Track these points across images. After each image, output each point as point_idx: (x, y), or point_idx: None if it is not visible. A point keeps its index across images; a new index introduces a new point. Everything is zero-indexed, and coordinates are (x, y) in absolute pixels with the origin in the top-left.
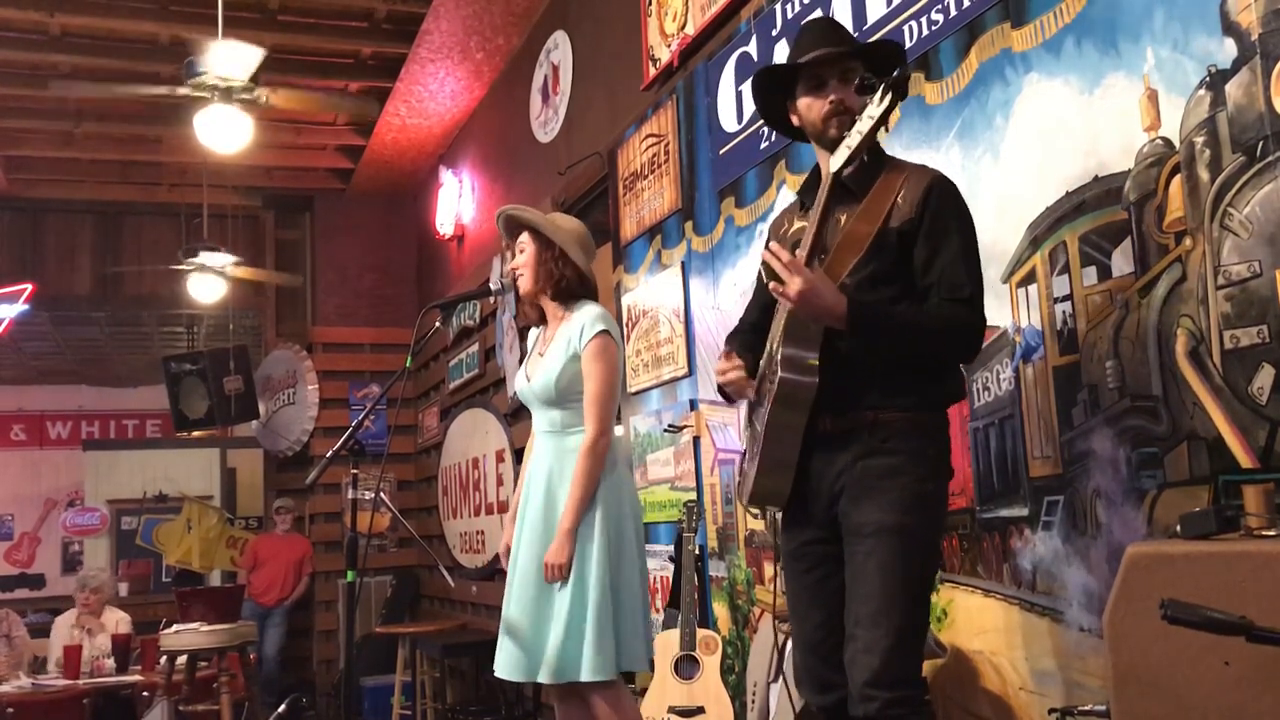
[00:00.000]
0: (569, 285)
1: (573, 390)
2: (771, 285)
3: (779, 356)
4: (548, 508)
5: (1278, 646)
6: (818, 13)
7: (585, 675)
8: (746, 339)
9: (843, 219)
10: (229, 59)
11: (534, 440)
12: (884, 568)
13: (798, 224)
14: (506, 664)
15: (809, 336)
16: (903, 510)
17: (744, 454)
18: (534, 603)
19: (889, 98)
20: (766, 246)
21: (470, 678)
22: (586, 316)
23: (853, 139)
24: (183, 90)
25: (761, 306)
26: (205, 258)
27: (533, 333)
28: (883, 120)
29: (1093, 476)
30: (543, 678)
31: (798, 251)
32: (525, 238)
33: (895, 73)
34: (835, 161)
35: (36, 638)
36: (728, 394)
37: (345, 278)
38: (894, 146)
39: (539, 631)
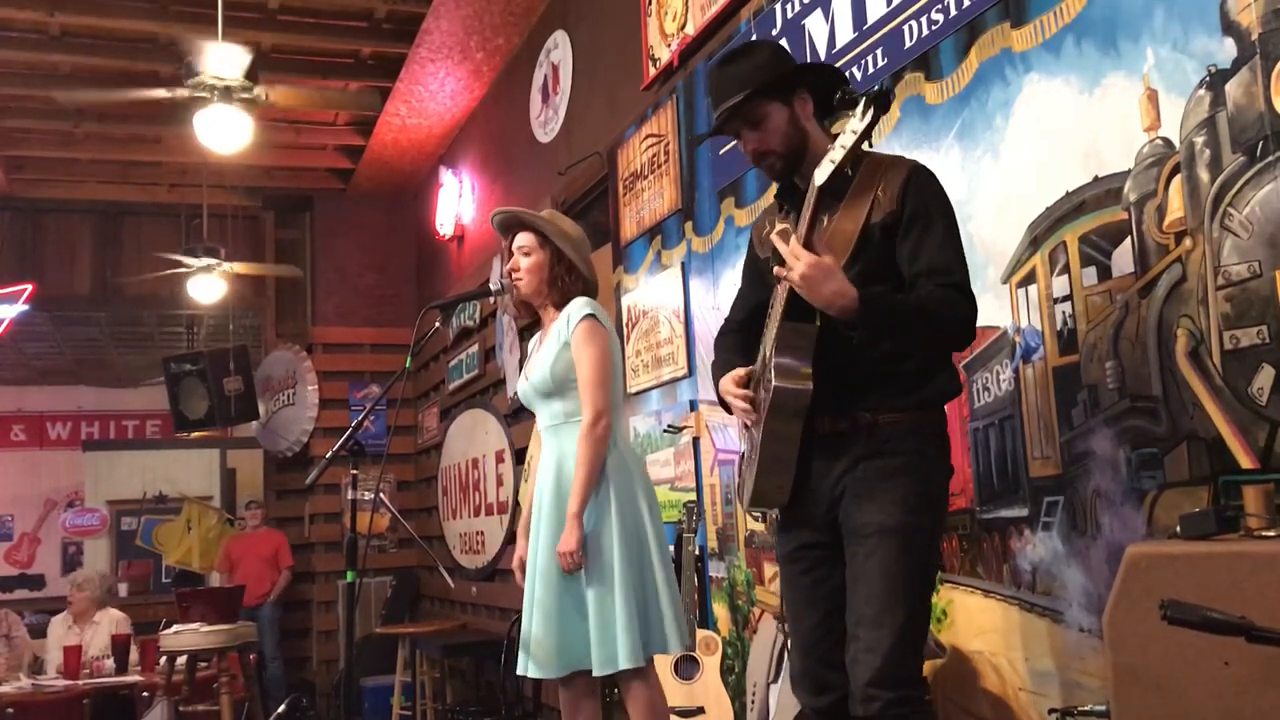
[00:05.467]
0: (576, 295)
1: (568, 378)
2: (776, 269)
3: (772, 365)
4: (559, 500)
5: (1278, 646)
6: (817, 13)
7: (621, 663)
8: (737, 340)
9: (825, 219)
10: (223, 60)
11: (538, 442)
12: (886, 568)
13: (779, 226)
14: (535, 662)
15: (802, 345)
16: (905, 511)
17: (743, 456)
18: (561, 597)
19: (871, 112)
20: (747, 281)
21: (470, 678)
22: (573, 307)
23: (836, 153)
24: (183, 91)
25: (749, 307)
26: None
27: (534, 340)
28: (866, 135)
29: (1093, 477)
30: (596, 671)
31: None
32: (529, 241)
33: (879, 86)
34: (820, 175)
35: (36, 638)
36: (725, 404)
37: (345, 278)
38: (894, 146)
39: (570, 625)
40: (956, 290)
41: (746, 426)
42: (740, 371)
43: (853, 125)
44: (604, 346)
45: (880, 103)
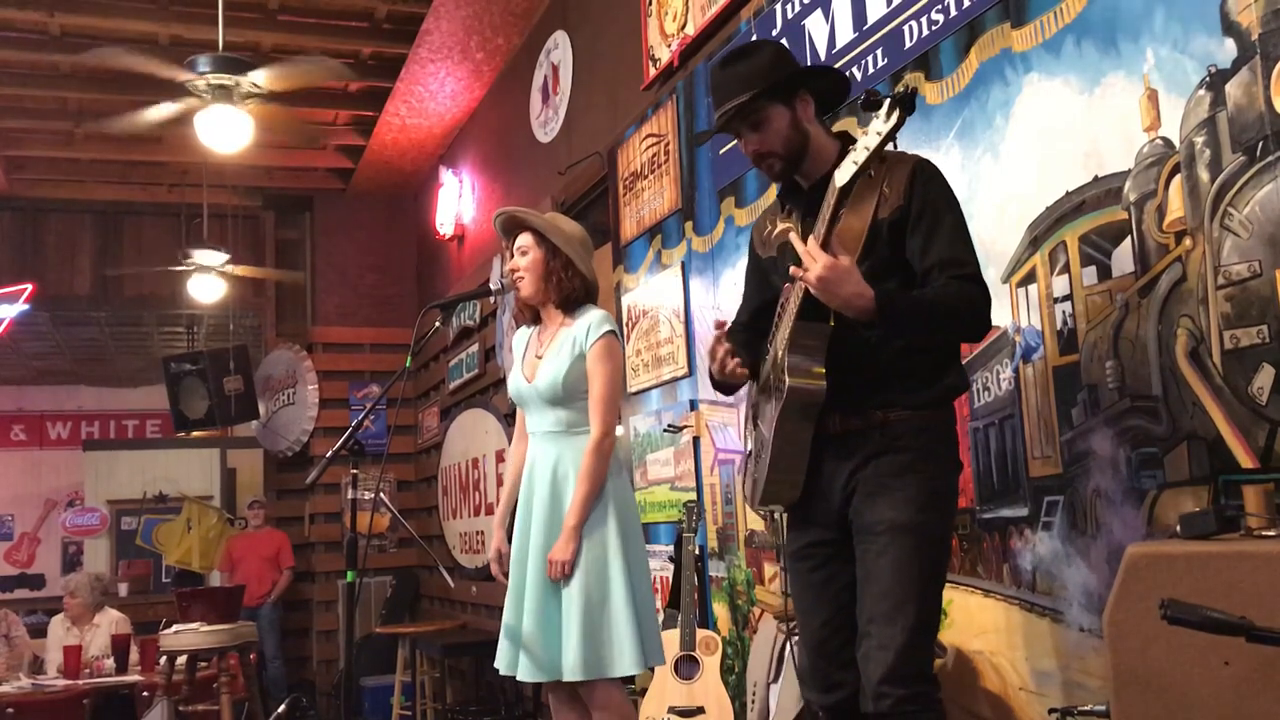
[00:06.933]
0: (575, 294)
1: (579, 390)
2: (792, 269)
3: (785, 364)
4: (555, 507)
5: (1278, 646)
6: (817, 13)
7: (619, 670)
8: (741, 337)
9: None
10: (228, 66)
11: (526, 443)
12: (899, 565)
13: (780, 225)
14: (520, 665)
15: (816, 344)
16: (917, 508)
17: (748, 455)
18: (549, 602)
19: (897, 114)
20: (751, 282)
21: (470, 678)
22: (593, 318)
23: (859, 154)
24: (190, 100)
25: (752, 308)
26: (205, 257)
27: (520, 335)
28: (891, 136)
29: (1093, 476)
30: (569, 676)
31: (791, 262)
32: (528, 241)
33: (905, 88)
34: (841, 176)
35: (36, 638)
36: (722, 386)
37: (345, 278)
38: (894, 146)
39: (555, 630)
40: (971, 281)
41: (756, 424)
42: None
43: (876, 126)
44: (620, 366)
45: (906, 105)
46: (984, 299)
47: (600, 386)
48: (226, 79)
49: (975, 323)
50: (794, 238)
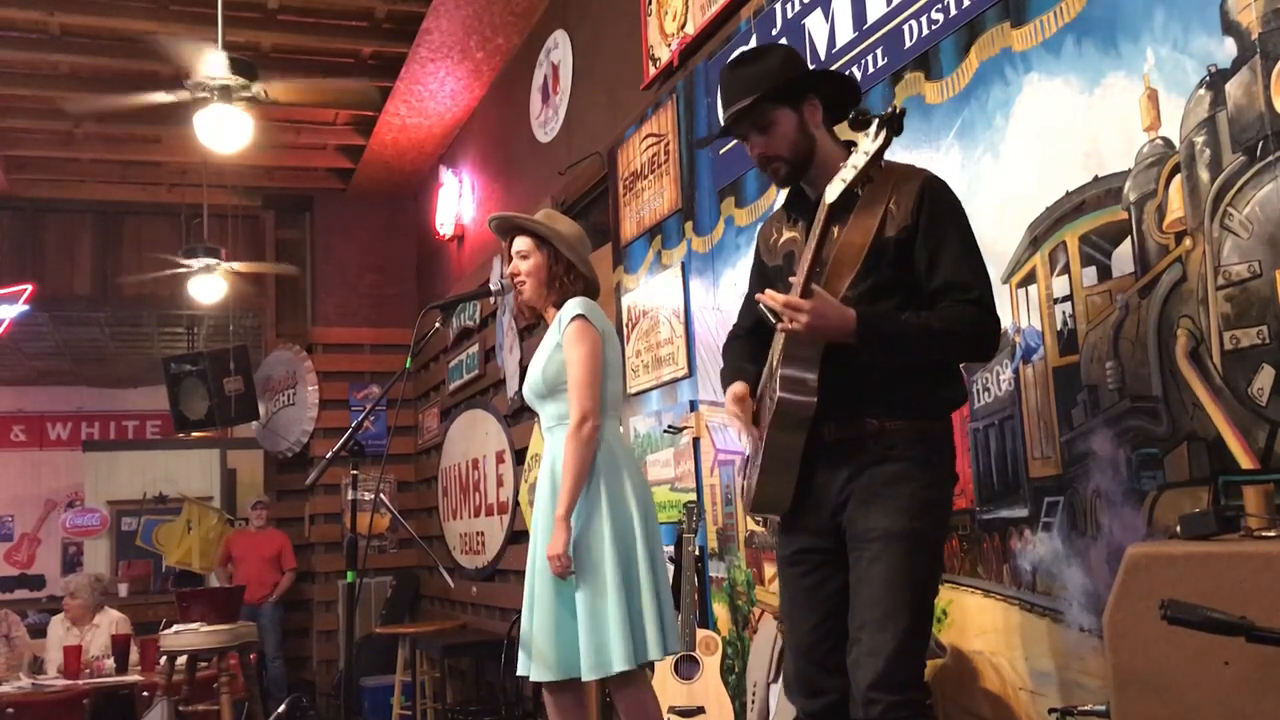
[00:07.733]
0: (575, 295)
1: (560, 380)
2: (779, 326)
3: (778, 375)
4: (552, 502)
5: (1278, 646)
6: (817, 13)
7: (616, 666)
8: (745, 346)
9: (835, 231)
10: (218, 65)
11: (540, 442)
12: (891, 573)
13: (786, 234)
14: (532, 665)
15: (808, 356)
16: (910, 516)
17: (746, 459)
18: (555, 599)
19: (884, 134)
20: (755, 288)
21: (470, 678)
22: (565, 308)
23: (848, 173)
24: (183, 92)
25: (756, 314)
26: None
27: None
28: (879, 157)
29: (1093, 477)
30: (586, 675)
31: (795, 270)
32: (526, 245)
33: (892, 108)
34: (831, 194)
35: (36, 638)
36: None
37: (345, 278)
38: (894, 147)
39: (566, 628)
40: (975, 306)
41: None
42: (740, 387)
43: (865, 146)
44: (593, 347)
45: (894, 125)
46: (988, 322)
47: (574, 370)
48: (236, 80)
49: (976, 347)
50: (768, 297)
